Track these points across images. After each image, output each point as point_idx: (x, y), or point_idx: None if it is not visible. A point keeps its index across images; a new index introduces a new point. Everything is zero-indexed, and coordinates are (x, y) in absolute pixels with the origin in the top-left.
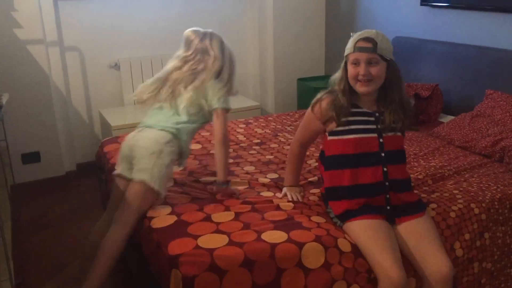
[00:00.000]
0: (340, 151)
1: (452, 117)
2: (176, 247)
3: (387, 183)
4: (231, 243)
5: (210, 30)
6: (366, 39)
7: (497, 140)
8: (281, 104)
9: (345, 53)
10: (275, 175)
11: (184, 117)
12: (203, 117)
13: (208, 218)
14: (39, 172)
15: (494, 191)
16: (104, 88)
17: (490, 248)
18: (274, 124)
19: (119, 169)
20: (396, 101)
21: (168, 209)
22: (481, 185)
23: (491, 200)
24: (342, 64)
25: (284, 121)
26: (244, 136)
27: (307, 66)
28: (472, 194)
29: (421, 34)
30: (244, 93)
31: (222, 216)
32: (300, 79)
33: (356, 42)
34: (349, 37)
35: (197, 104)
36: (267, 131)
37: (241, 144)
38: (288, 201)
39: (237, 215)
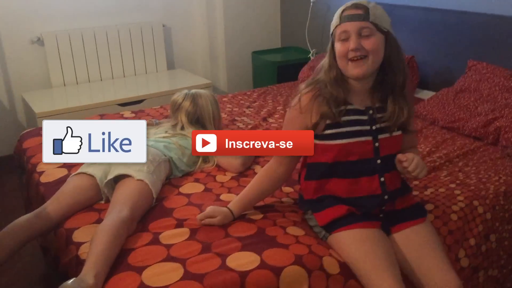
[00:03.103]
0: (325, 158)
1: (430, 93)
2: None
3: (386, 197)
4: (187, 275)
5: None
6: (355, 5)
7: (489, 119)
8: (235, 81)
9: (331, 30)
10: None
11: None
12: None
13: (155, 240)
14: None
15: (497, 183)
16: (27, 68)
17: (496, 252)
18: (230, 106)
19: (88, 169)
20: (398, 87)
21: None
22: (480, 175)
23: (495, 195)
24: (329, 46)
25: (241, 102)
26: None
27: (262, 37)
28: (472, 188)
29: None
30: (192, 69)
31: (174, 236)
32: (254, 52)
33: (342, 12)
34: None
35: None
36: (223, 115)
37: None
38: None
39: (193, 232)
